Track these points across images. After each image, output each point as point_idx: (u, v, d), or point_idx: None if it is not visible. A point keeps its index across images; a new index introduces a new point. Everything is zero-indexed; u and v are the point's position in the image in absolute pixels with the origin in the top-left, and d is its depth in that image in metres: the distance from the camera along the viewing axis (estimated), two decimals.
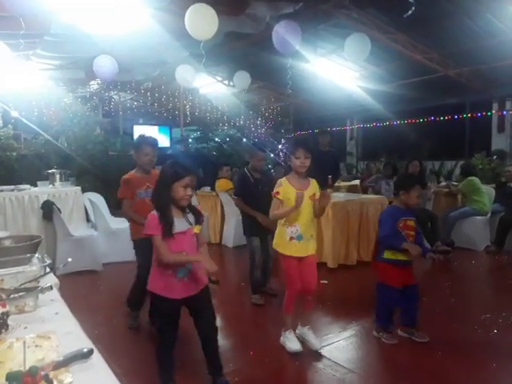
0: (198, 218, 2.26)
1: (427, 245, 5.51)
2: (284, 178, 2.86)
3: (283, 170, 7.81)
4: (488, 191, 6.08)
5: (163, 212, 2.14)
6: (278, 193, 2.79)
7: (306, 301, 2.96)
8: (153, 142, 3.35)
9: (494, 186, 6.40)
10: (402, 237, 3.00)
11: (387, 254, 3.03)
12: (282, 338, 2.99)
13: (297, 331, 3.04)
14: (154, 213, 2.17)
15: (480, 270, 5.12)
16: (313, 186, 2.86)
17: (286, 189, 2.79)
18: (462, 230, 5.87)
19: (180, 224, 2.18)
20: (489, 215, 5.89)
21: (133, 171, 3.35)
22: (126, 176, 3.31)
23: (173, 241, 2.14)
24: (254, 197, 3.77)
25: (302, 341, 2.96)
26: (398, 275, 3.01)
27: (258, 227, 3.75)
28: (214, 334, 2.39)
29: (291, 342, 2.92)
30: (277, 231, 2.93)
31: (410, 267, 3.10)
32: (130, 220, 3.35)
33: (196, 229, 2.24)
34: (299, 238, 2.80)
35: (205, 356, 2.39)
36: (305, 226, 2.82)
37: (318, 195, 2.85)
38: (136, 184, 3.24)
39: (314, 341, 2.95)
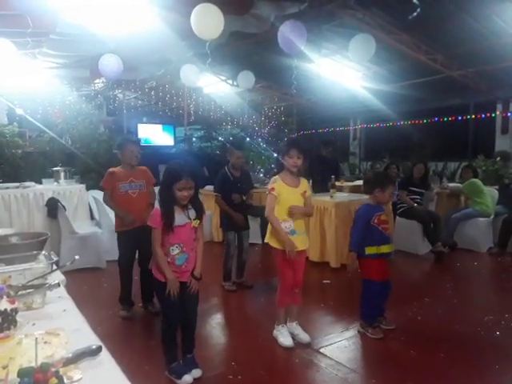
0: (199, 213, 2.50)
1: (428, 244, 5.53)
2: (278, 176, 3.00)
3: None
4: (491, 193, 6.07)
5: (165, 209, 2.41)
6: (273, 189, 2.92)
7: (294, 294, 3.08)
8: (136, 140, 3.66)
9: (497, 187, 6.39)
10: (380, 232, 3.16)
11: (370, 250, 3.15)
12: (274, 331, 3.12)
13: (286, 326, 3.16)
14: (159, 208, 2.43)
15: (482, 272, 5.12)
16: (303, 184, 3.03)
17: (279, 186, 2.94)
18: (465, 231, 5.86)
19: (179, 218, 2.42)
20: (492, 217, 5.88)
21: (118, 167, 3.59)
22: (111, 169, 3.56)
23: (172, 233, 2.40)
24: (234, 194, 4.14)
25: (292, 336, 3.07)
26: (381, 269, 3.17)
27: (234, 223, 4.15)
28: (195, 318, 2.64)
29: (284, 337, 3.05)
30: (269, 226, 3.03)
31: (387, 261, 3.26)
32: (115, 214, 3.60)
33: (195, 223, 2.48)
34: (292, 232, 2.93)
35: (182, 336, 2.63)
36: (297, 220, 2.96)
37: (308, 193, 3.03)
38: (119, 177, 3.48)
39: (302, 335, 3.08)
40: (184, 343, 2.65)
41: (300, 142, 3.03)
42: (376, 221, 3.17)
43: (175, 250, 2.43)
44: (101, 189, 3.79)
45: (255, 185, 6.81)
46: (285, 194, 2.92)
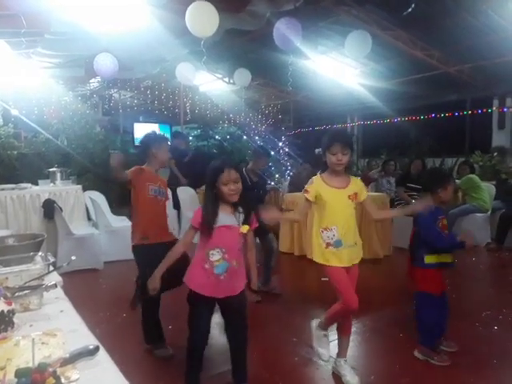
0: (247, 219, 2.21)
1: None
2: (318, 176, 2.51)
3: (283, 168, 7.74)
4: (488, 188, 6.09)
5: (208, 208, 2.16)
6: (307, 191, 2.44)
7: (346, 320, 2.62)
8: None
9: (494, 182, 6.41)
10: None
11: (430, 259, 2.77)
12: (316, 330, 2.76)
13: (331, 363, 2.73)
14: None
15: (480, 267, 5.14)
16: (354, 184, 2.48)
17: (317, 187, 2.42)
18: (463, 226, 5.87)
19: (226, 218, 2.16)
20: (489, 212, 5.90)
21: (144, 166, 2.97)
22: (139, 166, 2.94)
23: (214, 233, 2.12)
24: (250, 199, 3.82)
25: (337, 373, 2.59)
26: (439, 281, 2.81)
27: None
28: (244, 344, 2.30)
29: (323, 347, 2.77)
30: (312, 240, 2.55)
31: (444, 271, 2.89)
32: (135, 223, 2.95)
33: (243, 228, 2.17)
34: (337, 244, 2.39)
35: (231, 363, 2.34)
36: (343, 229, 2.40)
37: (362, 195, 2.48)
38: (149, 177, 2.92)
39: (350, 377, 2.48)
40: (234, 371, 2.31)
41: (343, 134, 2.59)
42: (440, 225, 2.78)
43: (215, 256, 2.11)
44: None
45: None
46: (326, 196, 2.39)
